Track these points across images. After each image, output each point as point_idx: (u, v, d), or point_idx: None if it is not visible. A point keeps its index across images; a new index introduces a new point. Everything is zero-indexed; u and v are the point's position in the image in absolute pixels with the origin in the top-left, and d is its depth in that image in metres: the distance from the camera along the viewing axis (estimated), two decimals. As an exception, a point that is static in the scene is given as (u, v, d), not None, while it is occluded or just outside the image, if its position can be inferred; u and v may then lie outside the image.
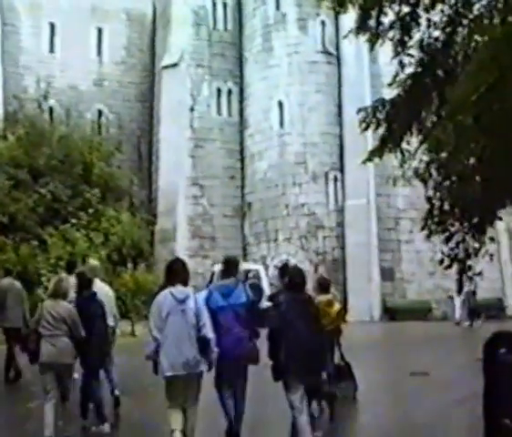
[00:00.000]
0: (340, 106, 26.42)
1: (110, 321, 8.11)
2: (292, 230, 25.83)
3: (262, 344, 6.28)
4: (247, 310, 6.49)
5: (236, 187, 27.94)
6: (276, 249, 25.91)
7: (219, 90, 28.47)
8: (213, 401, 6.70)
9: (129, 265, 22.22)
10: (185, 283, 6.04)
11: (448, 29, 7.16)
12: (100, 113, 29.51)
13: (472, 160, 6.10)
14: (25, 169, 22.74)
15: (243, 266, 23.34)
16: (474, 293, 20.89)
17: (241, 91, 28.54)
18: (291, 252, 25.24)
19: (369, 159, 7.94)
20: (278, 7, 27.22)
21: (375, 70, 24.98)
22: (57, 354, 6.69)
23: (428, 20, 7.38)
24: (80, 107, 28.57)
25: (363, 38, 7.74)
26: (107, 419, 7.47)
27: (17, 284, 11.21)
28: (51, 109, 27.98)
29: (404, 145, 7.46)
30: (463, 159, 6.05)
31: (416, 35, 7.48)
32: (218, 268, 20.41)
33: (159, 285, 7.92)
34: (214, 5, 28.92)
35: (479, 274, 7.33)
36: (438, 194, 6.92)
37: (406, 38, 7.44)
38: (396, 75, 7.51)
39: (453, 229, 6.96)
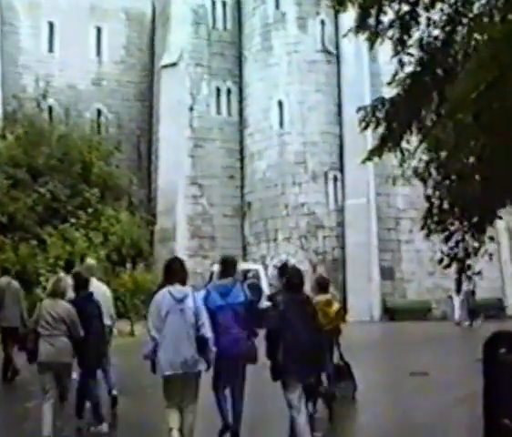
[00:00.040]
0: (339, 106, 26.39)
1: (107, 321, 8.10)
2: (292, 230, 25.81)
3: (261, 344, 6.26)
4: (246, 310, 6.50)
5: (235, 186, 27.91)
6: (276, 249, 25.88)
7: (218, 89, 28.44)
8: (212, 401, 6.68)
9: (128, 265, 22.19)
10: (183, 282, 6.05)
11: (448, 28, 7.14)
12: (99, 112, 29.48)
13: (472, 159, 6.08)
14: (24, 169, 22.70)
15: (243, 266, 23.45)
16: (473, 293, 20.89)
17: (241, 90, 28.51)
18: (291, 252, 25.21)
19: (368, 159, 7.92)
20: (277, 6, 27.19)
21: (375, 69, 24.96)
22: (56, 354, 6.69)
23: (428, 19, 7.36)
24: (79, 107, 28.54)
25: (363, 37, 7.73)
26: (105, 419, 7.45)
27: (15, 283, 11.20)
28: (50, 109, 27.95)
29: (403, 144, 7.44)
30: (462, 158, 6.03)
31: (416, 34, 7.46)
32: (217, 267, 20.37)
33: (158, 284, 7.91)
34: (213, 3, 28.89)
35: (478, 273, 7.31)
36: (437, 193, 6.90)
37: (406, 37, 7.42)
38: (396, 73, 7.49)
39: (452, 229, 6.94)
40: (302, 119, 26.27)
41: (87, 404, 7.45)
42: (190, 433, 5.92)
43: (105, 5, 29.80)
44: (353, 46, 23.55)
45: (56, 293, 6.97)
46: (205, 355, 5.88)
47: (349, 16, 7.90)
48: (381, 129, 7.45)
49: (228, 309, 6.37)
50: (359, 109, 7.60)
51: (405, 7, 7.35)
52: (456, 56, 6.93)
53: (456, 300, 21.90)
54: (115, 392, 8.39)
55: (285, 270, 7.06)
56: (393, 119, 7.32)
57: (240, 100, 28.49)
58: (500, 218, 7.12)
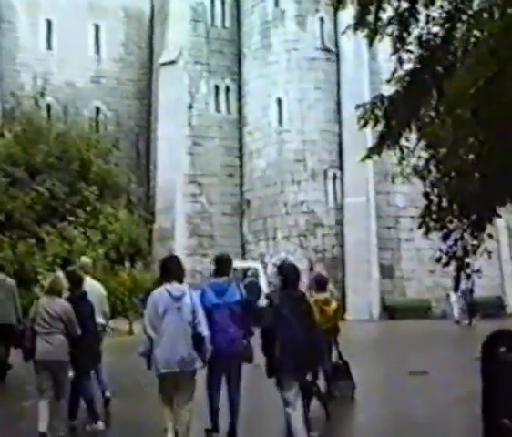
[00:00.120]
0: (339, 104, 26.31)
1: (100, 319, 8.10)
2: (291, 228, 25.75)
3: (256, 343, 6.24)
4: (242, 308, 6.49)
5: (234, 184, 27.85)
6: (275, 248, 25.83)
7: (217, 87, 28.36)
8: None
9: (127, 263, 22.15)
10: (180, 280, 6.05)
11: (447, 25, 7.10)
12: (98, 110, 29.38)
13: (471, 156, 6.05)
14: (23, 167, 22.64)
15: (242, 264, 23.44)
16: (471, 291, 20.85)
17: (240, 88, 28.43)
18: (290, 250, 25.16)
19: (368, 157, 7.90)
20: (277, 4, 27.10)
21: (375, 67, 24.89)
22: (53, 352, 6.68)
23: (427, 16, 7.33)
24: (78, 104, 28.44)
25: (362, 34, 7.70)
26: (100, 416, 7.42)
27: (9, 280, 11.16)
28: (48, 106, 27.85)
29: (402, 142, 7.41)
30: (462, 154, 6.00)
31: (415, 31, 7.42)
32: None
33: (153, 282, 7.91)
34: (212, 1, 28.77)
35: (478, 271, 7.28)
36: (436, 190, 6.86)
37: (405, 34, 7.39)
38: (395, 71, 7.47)
39: (451, 226, 6.90)
40: (301, 117, 26.20)
41: (82, 404, 7.42)
42: (187, 432, 5.90)
43: (103, 3, 29.69)
44: (353, 44, 23.46)
45: (54, 291, 6.98)
46: (201, 353, 5.89)
47: (348, 14, 7.87)
48: (380, 127, 7.43)
49: (224, 307, 6.37)
50: (358, 107, 7.58)
51: (405, 4, 7.33)
52: (456, 53, 6.89)
53: (454, 298, 21.87)
54: (108, 394, 8.37)
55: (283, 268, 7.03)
56: (392, 117, 7.30)
57: (239, 98, 28.41)
58: (499, 216, 7.08)
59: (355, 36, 8.21)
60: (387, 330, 21.43)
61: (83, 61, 28.93)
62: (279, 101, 26.53)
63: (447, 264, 7.02)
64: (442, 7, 7.14)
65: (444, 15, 7.12)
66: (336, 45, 26.57)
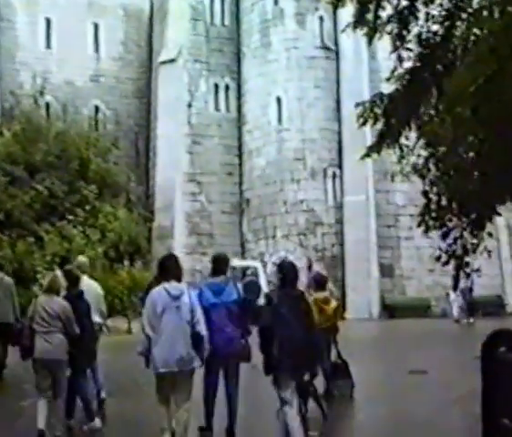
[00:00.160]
0: (338, 102, 26.27)
1: (97, 318, 8.10)
2: (291, 227, 25.73)
3: (253, 342, 6.23)
4: (239, 308, 6.49)
5: (234, 183, 27.82)
6: (274, 246, 25.81)
7: (216, 86, 28.33)
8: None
9: (126, 262, 22.13)
10: (179, 279, 6.03)
11: (447, 23, 7.07)
12: (97, 109, 29.35)
13: (470, 154, 6.03)
14: (22, 166, 22.63)
15: (242, 263, 23.42)
16: (470, 290, 20.83)
17: (239, 87, 28.40)
18: (290, 249, 25.13)
19: (367, 155, 7.88)
20: (276, 2, 27.06)
21: (374, 66, 24.86)
22: (52, 351, 6.68)
23: (427, 14, 7.30)
24: (77, 103, 28.41)
25: (361, 33, 7.67)
26: (97, 414, 7.41)
27: (7, 279, 11.13)
28: (48, 105, 27.84)
29: (402, 140, 7.38)
30: (461, 153, 5.98)
31: (415, 29, 7.40)
32: None
33: (150, 281, 7.92)
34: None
35: (477, 270, 7.26)
36: (435, 189, 6.84)
37: (405, 32, 7.37)
38: (394, 69, 7.44)
39: (450, 225, 6.88)
40: (300, 116, 26.17)
41: (78, 403, 7.41)
42: (185, 431, 5.88)
43: (102, 1, 29.66)
44: (352, 43, 23.44)
45: (52, 290, 6.98)
46: (200, 352, 5.88)
47: (348, 12, 7.84)
48: (379, 125, 7.41)
49: (221, 307, 6.37)
50: (357, 105, 7.56)
51: (404, 2, 7.30)
52: (456, 52, 6.87)
53: (453, 297, 21.86)
54: (103, 395, 8.35)
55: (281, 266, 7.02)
56: (391, 115, 7.27)
57: (239, 97, 28.38)
58: (499, 214, 7.06)
59: (355, 35, 8.19)
60: (387, 328, 21.42)
61: (82, 60, 28.90)
62: (278, 100, 26.51)
63: (447, 263, 7.00)
64: (441, 5, 7.11)
65: (443, 13, 7.09)
66: (336, 44, 26.54)
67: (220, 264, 6.77)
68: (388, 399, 9.51)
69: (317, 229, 25.54)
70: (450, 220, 6.84)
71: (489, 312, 22.01)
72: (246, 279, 20.37)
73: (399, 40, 7.33)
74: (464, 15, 6.87)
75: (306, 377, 6.31)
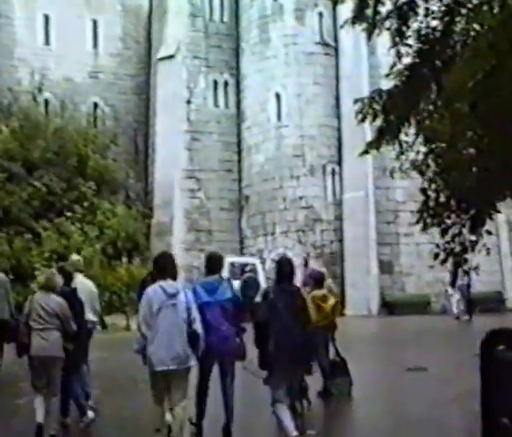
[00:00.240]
0: (338, 99, 26.22)
1: (91, 316, 8.09)
2: (290, 224, 25.68)
3: (248, 340, 6.20)
4: (233, 306, 6.48)
5: (233, 180, 27.77)
6: (273, 243, 25.77)
7: (215, 82, 28.26)
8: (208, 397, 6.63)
9: (124, 259, 22.10)
10: (174, 278, 6.00)
11: (447, 18, 7.04)
12: (96, 105, 29.25)
13: (469, 150, 5.99)
14: (20, 162, 22.62)
15: (240, 260, 23.40)
16: (468, 286, 20.80)
17: (238, 83, 28.34)
18: (289, 246, 25.09)
19: (366, 152, 7.87)
20: (275, -2, 27.00)
21: (374, 62, 24.77)
22: (49, 348, 6.65)
23: (426, 9, 7.27)
24: (75, 100, 28.30)
25: (361, 28, 7.64)
26: (87, 406, 7.38)
27: (2, 276, 11.05)
28: (46, 102, 27.77)
29: (401, 136, 7.35)
30: (460, 148, 5.94)
31: (414, 25, 7.36)
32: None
33: (144, 277, 7.90)
34: (210, -4, 28.73)
35: (476, 268, 7.23)
36: (434, 186, 6.81)
37: (404, 28, 7.33)
38: (394, 65, 7.40)
39: (449, 222, 6.85)
40: (299, 112, 26.11)
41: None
42: (181, 430, 5.86)
43: (101, -3, 29.60)
44: (352, 39, 23.39)
45: (49, 287, 6.94)
46: (196, 350, 5.86)
47: (347, 8, 7.82)
48: (379, 122, 7.37)
49: (216, 305, 6.35)
50: (356, 101, 7.52)
51: (404, -3, 7.26)
52: (455, 47, 6.84)
53: (452, 293, 21.84)
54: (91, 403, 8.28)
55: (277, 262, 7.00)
56: (390, 111, 7.24)
57: (238, 93, 28.31)
58: (499, 211, 7.02)
59: (354, 31, 8.17)
60: (386, 325, 21.39)
61: (80, 56, 28.81)
62: (277, 96, 26.44)
63: (445, 261, 6.97)
64: (441, 1, 7.09)
65: (443, 8, 7.06)
66: (335, 40, 26.49)
67: (213, 263, 6.74)
68: (387, 396, 9.49)
69: (316, 226, 25.50)
70: (449, 217, 6.80)
71: (489, 309, 21.98)
72: (245, 276, 20.36)
73: (398, 36, 7.30)
74: (463, 11, 6.83)
75: (300, 372, 6.30)
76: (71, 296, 7.20)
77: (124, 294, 19.57)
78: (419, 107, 7.16)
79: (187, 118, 27.54)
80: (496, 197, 6.68)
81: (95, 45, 29.67)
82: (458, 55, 6.56)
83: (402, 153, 7.45)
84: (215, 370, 6.59)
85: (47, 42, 28.70)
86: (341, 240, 25.37)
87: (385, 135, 7.41)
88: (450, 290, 21.94)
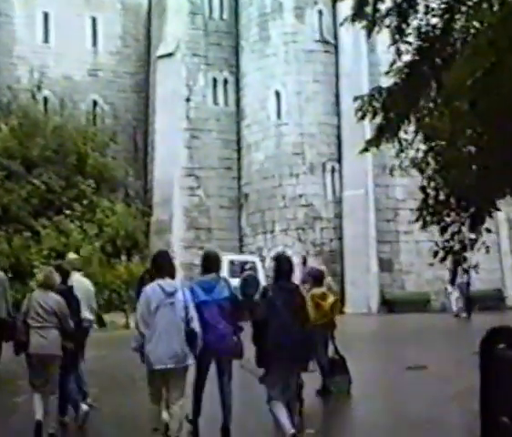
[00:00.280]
0: (338, 96, 26.18)
1: (87, 314, 8.08)
2: (290, 222, 25.66)
3: (245, 338, 6.18)
4: (231, 304, 6.47)
5: (232, 178, 27.75)
6: (273, 241, 25.75)
7: (215, 80, 28.22)
8: (206, 396, 6.61)
9: (123, 257, 22.09)
10: (172, 276, 6.01)
11: (447, 16, 7.02)
12: (95, 103, 29.20)
13: (469, 148, 5.97)
14: (19, 160, 22.60)
15: (240, 258, 23.38)
16: (468, 284, 20.78)
17: (238, 81, 28.30)
18: (289, 244, 25.08)
19: (366, 150, 7.86)
20: (275, -4, 26.96)
21: (374, 59, 24.74)
22: (47, 346, 6.64)
23: (426, 7, 7.25)
24: (75, 98, 28.26)
25: (360, 26, 7.63)
26: (80, 399, 7.36)
27: (0, 274, 11.03)
28: (45, 100, 27.73)
29: (401, 134, 7.33)
30: (460, 146, 5.93)
31: (414, 22, 7.34)
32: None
33: (141, 275, 7.90)
34: (210, -7, 28.68)
35: (475, 267, 7.21)
36: (433, 184, 6.79)
37: (404, 26, 7.31)
38: (393, 62, 7.39)
39: (449, 220, 6.83)
40: (299, 110, 26.08)
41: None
42: (179, 429, 5.86)
43: (101, -5, 29.55)
44: (352, 36, 23.37)
45: (47, 285, 6.93)
46: (194, 349, 5.87)
47: (347, 6, 7.81)
48: (378, 119, 7.36)
49: (213, 304, 6.35)
50: (355, 99, 7.51)
51: (403, -5, 7.24)
52: (455, 45, 6.82)
53: (452, 292, 21.83)
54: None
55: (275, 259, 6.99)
56: (390, 109, 7.22)
57: (237, 91, 28.28)
58: (499, 209, 7.01)
59: (354, 28, 8.16)
60: (386, 323, 21.38)
61: (80, 54, 28.76)
62: (277, 94, 26.41)
63: (444, 259, 6.95)
64: (441, -2, 7.06)
65: (443, 5, 7.04)
66: (335, 38, 26.45)
67: (210, 261, 6.73)
68: (386, 394, 9.47)
69: (316, 224, 25.48)
70: (448, 215, 6.79)
71: (489, 306, 21.96)
72: (244, 274, 20.35)
73: (398, 33, 7.29)
74: (463, 8, 6.81)
75: (298, 370, 6.29)
76: (68, 294, 7.19)
77: (123, 292, 19.57)
78: (419, 105, 7.15)
79: (186, 116, 27.51)
80: (496, 194, 6.66)
81: (94, 42, 29.61)
82: (458, 52, 6.55)
83: (401, 151, 7.44)
84: (212, 368, 6.58)
85: (47, 40, 28.65)
86: (340, 238, 25.35)
87: (385, 132, 7.40)
88: (449, 288, 21.95)
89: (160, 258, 6.21)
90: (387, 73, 7.42)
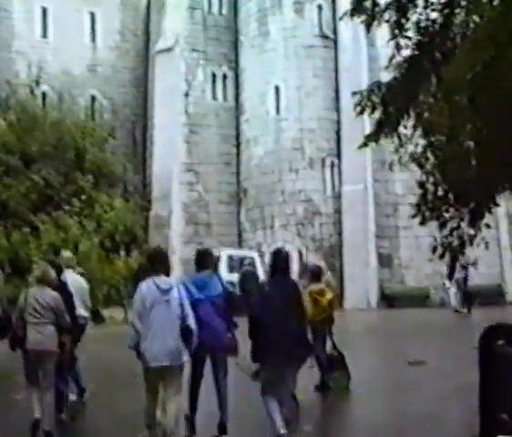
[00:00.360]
0: (337, 91, 26.13)
1: (82, 311, 8.07)
2: (289, 217, 25.65)
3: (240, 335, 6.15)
4: (224, 301, 6.46)
5: (231, 173, 27.72)
6: (272, 236, 25.73)
7: (214, 75, 28.18)
8: (202, 393, 6.59)
9: (122, 252, 22.06)
10: (167, 273, 6.00)
11: (446, 10, 6.99)
12: (94, 98, 29.08)
13: (469, 143, 5.95)
14: (17, 155, 22.55)
15: (239, 253, 23.36)
16: (465, 279, 20.73)
17: (237, 76, 28.25)
18: (288, 239, 25.05)
19: (365, 145, 7.83)
20: (274, -10, 26.87)
21: (373, 54, 24.69)
22: (44, 342, 6.63)
23: (426, 1, 7.22)
24: (73, 93, 28.16)
25: (359, 20, 7.59)
26: (69, 391, 7.40)
27: None
28: (44, 95, 27.62)
29: (400, 129, 7.30)
30: (461, 141, 5.90)
31: (413, 17, 7.31)
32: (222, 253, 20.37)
33: (136, 272, 7.91)
34: (209, -13, 28.60)
35: (474, 264, 7.20)
36: (432, 179, 6.76)
37: (403, 20, 7.28)
38: (393, 57, 7.36)
39: (447, 216, 6.80)
40: (298, 105, 26.04)
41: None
42: (175, 426, 5.85)
43: (99, -10, 29.44)
44: (351, 31, 23.32)
45: (44, 281, 6.90)
46: (189, 346, 5.86)
47: (346, 0, 7.76)
48: (378, 114, 7.33)
49: (206, 301, 6.35)
50: (354, 94, 7.47)
51: (403, -11, 7.20)
52: (455, 39, 6.79)
53: (450, 287, 21.81)
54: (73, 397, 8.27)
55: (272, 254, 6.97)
56: (389, 104, 7.19)
57: (237, 86, 28.23)
58: (498, 205, 6.98)
59: (353, 23, 8.14)
60: (385, 318, 21.36)
61: (78, 49, 28.64)
62: (276, 89, 26.37)
63: (442, 255, 6.93)
64: (440, -8, 7.02)
65: (442, 0, 6.99)
66: (334, 33, 26.38)
67: (203, 259, 6.74)
68: (385, 391, 9.46)
69: (315, 219, 25.45)
70: (447, 211, 6.76)
71: (488, 302, 21.93)
72: (243, 269, 20.35)
73: (398, 28, 7.25)
74: (463, 2, 6.78)
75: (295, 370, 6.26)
76: (62, 289, 7.17)
77: (122, 287, 19.54)
78: (418, 100, 7.12)
79: (185, 111, 27.47)
80: (496, 189, 6.63)
81: (93, 38, 29.49)
82: (458, 47, 6.53)
83: (401, 146, 7.42)
84: (208, 366, 6.57)
85: (45, 35, 28.52)
86: (340, 233, 25.32)
87: (384, 127, 7.37)
88: (447, 283, 21.91)
89: (157, 255, 6.21)
90: (387, 67, 7.40)
